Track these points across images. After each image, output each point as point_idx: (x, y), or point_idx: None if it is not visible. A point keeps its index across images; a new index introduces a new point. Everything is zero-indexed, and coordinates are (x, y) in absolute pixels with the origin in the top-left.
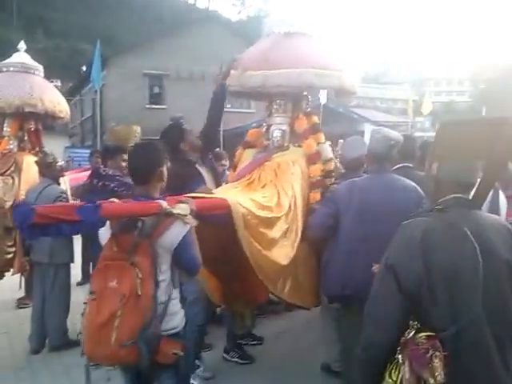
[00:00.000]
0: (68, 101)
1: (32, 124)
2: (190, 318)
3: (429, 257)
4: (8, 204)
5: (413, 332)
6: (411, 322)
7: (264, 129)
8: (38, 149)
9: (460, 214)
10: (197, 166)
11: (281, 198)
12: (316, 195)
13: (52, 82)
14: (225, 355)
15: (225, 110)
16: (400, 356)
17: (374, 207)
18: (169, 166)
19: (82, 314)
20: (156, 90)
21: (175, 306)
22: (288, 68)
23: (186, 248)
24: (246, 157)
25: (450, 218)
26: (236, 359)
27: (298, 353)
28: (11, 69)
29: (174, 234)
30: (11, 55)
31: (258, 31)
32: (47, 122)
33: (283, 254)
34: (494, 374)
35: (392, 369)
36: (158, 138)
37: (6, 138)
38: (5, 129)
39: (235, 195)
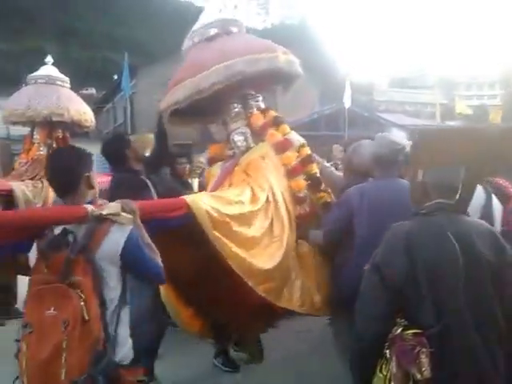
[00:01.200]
0: (101, 108)
1: (60, 132)
2: (137, 340)
3: (412, 256)
4: (38, 206)
5: (400, 329)
6: (398, 319)
7: (225, 141)
8: None
9: (443, 218)
10: (143, 177)
11: (255, 192)
12: (299, 183)
13: (87, 90)
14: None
15: None
16: (388, 351)
17: (384, 211)
18: (113, 175)
19: (16, 355)
20: None
21: (124, 331)
22: (216, 65)
23: (135, 252)
24: (214, 172)
25: (433, 221)
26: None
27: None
28: (39, 81)
29: (114, 241)
30: (44, 64)
31: (285, 38)
32: (74, 129)
33: (267, 254)
34: (479, 369)
35: (383, 364)
36: (190, 142)
37: (35, 145)
38: (35, 136)
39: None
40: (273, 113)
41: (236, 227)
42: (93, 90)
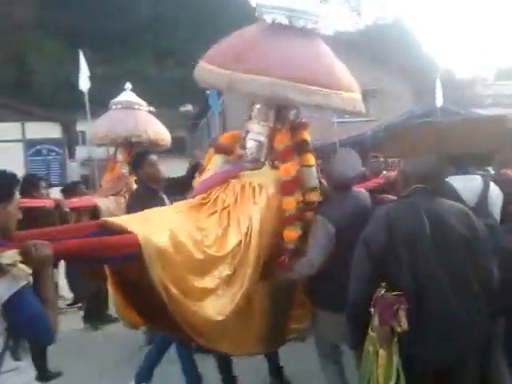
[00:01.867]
0: (197, 124)
1: (137, 149)
2: None
3: (391, 230)
4: None
5: (383, 291)
6: (382, 284)
7: (243, 134)
8: None
9: (418, 199)
10: (160, 194)
11: (228, 234)
12: (291, 233)
13: (184, 106)
14: None
15: (338, 120)
16: (373, 309)
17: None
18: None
19: None
20: None
21: (12, 378)
22: (259, 74)
23: (19, 309)
24: (214, 164)
25: (410, 202)
26: None
27: None
28: (119, 106)
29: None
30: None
31: (378, 38)
32: (152, 149)
33: (218, 306)
34: (453, 320)
35: (370, 325)
36: None
37: (118, 164)
38: (117, 156)
39: (161, 224)
40: (303, 135)
41: (190, 275)
42: (189, 107)
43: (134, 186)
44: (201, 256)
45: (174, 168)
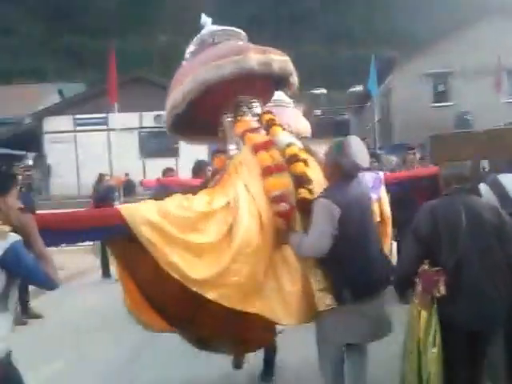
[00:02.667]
0: (362, 106)
1: None
2: None
3: (436, 220)
4: None
5: (426, 266)
6: (425, 261)
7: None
8: None
9: (457, 197)
10: None
11: (214, 199)
12: (274, 182)
13: (354, 87)
14: None
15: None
16: (417, 280)
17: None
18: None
19: None
20: (441, 88)
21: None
22: (186, 78)
23: (16, 261)
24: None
25: (451, 199)
26: None
27: None
28: (270, 104)
29: None
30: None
31: None
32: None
33: (222, 260)
34: (482, 292)
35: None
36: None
37: None
38: None
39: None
40: (268, 116)
41: (182, 234)
42: (360, 88)
43: None
44: (190, 214)
45: None
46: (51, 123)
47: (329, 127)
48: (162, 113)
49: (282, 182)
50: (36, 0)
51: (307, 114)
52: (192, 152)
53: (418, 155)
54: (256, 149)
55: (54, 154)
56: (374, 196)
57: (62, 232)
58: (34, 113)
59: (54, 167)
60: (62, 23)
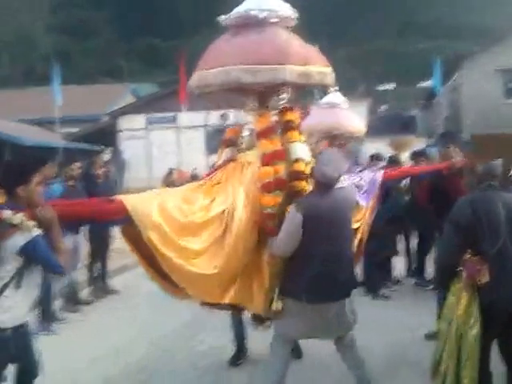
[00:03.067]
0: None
1: (338, 141)
2: None
3: (475, 211)
4: None
5: (469, 255)
6: (468, 251)
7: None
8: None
9: (491, 191)
10: None
11: (213, 205)
12: (269, 200)
13: (423, 82)
14: None
15: None
16: (461, 268)
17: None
18: None
19: None
20: (511, 85)
21: (6, 302)
22: (219, 66)
23: (33, 253)
24: (224, 155)
25: (486, 193)
26: None
27: None
28: (325, 106)
29: (14, 242)
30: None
31: None
32: (348, 139)
33: (211, 263)
34: None
35: (456, 279)
36: None
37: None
38: (321, 146)
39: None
40: (289, 115)
41: (177, 237)
42: (429, 83)
43: None
44: (185, 221)
45: None
46: (126, 121)
47: (394, 124)
48: (226, 111)
49: (275, 201)
50: (114, 4)
51: (372, 111)
52: None
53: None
54: (263, 161)
55: (129, 150)
56: (361, 202)
57: (76, 222)
58: (111, 112)
59: (128, 162)
60: (137, 25)
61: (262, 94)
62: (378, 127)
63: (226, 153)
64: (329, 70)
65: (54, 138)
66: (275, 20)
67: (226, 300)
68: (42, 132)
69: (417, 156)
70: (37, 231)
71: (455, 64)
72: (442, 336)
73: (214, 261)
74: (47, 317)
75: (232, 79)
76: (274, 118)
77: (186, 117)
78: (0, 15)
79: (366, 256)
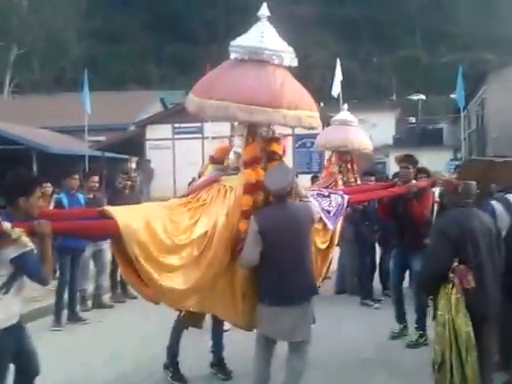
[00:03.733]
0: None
1: (347, 156)
2: None
3: (462, 225)
4: None
5: (456, 264)
6: (455, 259)
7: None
8: (350, 173)
9: (469, 209)
10: None
11: (195, 227)
12: (244, 225)
13: (455, 93)
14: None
15: None
16: (451, 275)
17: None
18: None
19: None
20: None
21: (3, 305)
22: (218, 100)
23: (22, 265)
24: (208, 171)
25: (465, 210)
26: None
27: None
28: (336, 123)
29: (7, 253)
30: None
31: None
32: (358, 155)
33: (185, 278)
34: (492, 283)
35: (445, 285)
36: None
37: (332, 165)
38: (332, 159)
39: (144, 214)
40: (274, 147)
41: (159, 256)
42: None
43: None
44: (169, 242)
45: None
46: (153, 131)
47: (420, 137)
48: None
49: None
50: (146, 10)
51: (400, 122)
52: None
53: None
54: (246, 190)
55: (155, 160)
56: (330, 226)
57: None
58: (139, 121)
59: (155, 171)
60: (168, 32)
61: (253, 124)
62: (405, 139)
63: (210, 169)
64: (317, 114)
65: (82, 147)
66: (276, 62)
67: (191, 308)
68: (70, 140)
69: (365, 175)
70: (29, 247)
71: (483, 77)
72: (439, 337)
73: (188, 277)
74: (71, 316)
75: (229, 115)
76: (260, 147)
77: (211, 127)
78: (31, 20)
79: (360, 267)
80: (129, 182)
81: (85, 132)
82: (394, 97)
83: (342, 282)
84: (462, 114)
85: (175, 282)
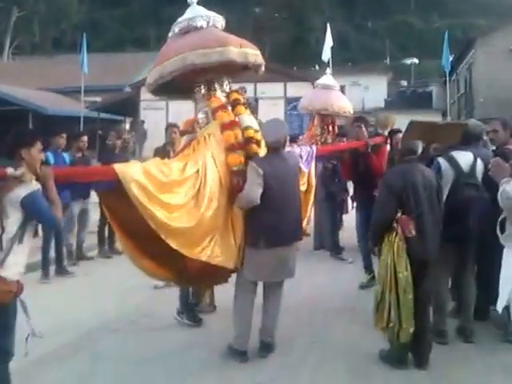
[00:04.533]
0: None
1: (329, 119)
2: None
3: (405, 178)
4: None
5: (400, 214)
6: (399, 210)
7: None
8: (330, 135)
9: (413, 164)
10: None
11: (186, 166)
12: (234, 158)
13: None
14: (176, 316)
15: None
16: (395, 224)
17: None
18: None
19: None
20: None
21: (14, 257)
22: (175, 56)
23: (30, 205)
24: (182, 142)
25: (409, 165)
26: (186, 321)
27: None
28: (319, 86)
29: (16, 193)
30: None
31: None
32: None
33: (189, 216)
34: (431, 231)
35: (389, 234)
36: None
37: (314, 127)
38: (315, 122)
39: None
40: (234, 95)
41: (159, 194)
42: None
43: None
44: (165, 179)
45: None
46: (147, 92)
47: (410, 100)
48: (244, 85)
49: (240, 160)
50: None
51: (392, 85)
52: None
53: None
54: (224, 127)
55: (148, 120)
56: (304, 169)
57: (70, 182)
58: (134, 83)
59: (149, 132)
60: None
61: (209, 83)
62: (396, 102)
63: (183, 139)
64: (259, 52)
65: (78, 107)
66: (211, 24)
67: (203, 258)
68: (67, 100)
69: (337, 136)
70: (36, 185)
71: (471, 42)
72: (380, 279)
73: (191, 216)
74: (59, 270)
75: (188, 63)
76: (223, 99)
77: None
78: None
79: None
80: (118, 141)
81: (82, 93)
82: (388, 60)
83: (319, 238)
84: (449, 79)
85: (182, 221)
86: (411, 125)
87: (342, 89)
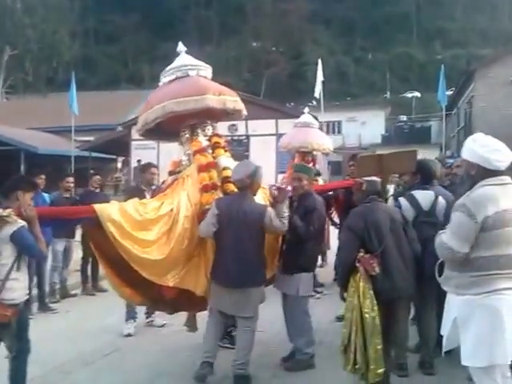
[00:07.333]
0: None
1: (309, 156)
2: None
3: (365, 220)
4: None
5: (362, 253)
6: (361, 250)
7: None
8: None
9: (375, 203)
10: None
11: (162, 205)
12: (207, 198)
13: (451, 90)
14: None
15: None
16: (358, 264)
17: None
18: None
19: None
20: None
21: (14, 284)
22: (156, 105)
23: (19, 240)
24: (168, 182)
25: (372, 204)
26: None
27: None
28: (298, 125)
29: (7, 230)
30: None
31: None
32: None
33: (159, 251)
34: (399, 268)
35: (354, 275)
36: None
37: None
38: (295, 159)
39: (115, 205)
40: (215, 139)
41: (133, 231)
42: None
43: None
44: (140, 218)
45: None
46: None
47: (408, 135)
48: (235, 123)
49: (212, 199)
50: (138, 9)
51: (390, 120)
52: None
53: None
54: (200, 169)
55: (141, 159)
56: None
57: (53, 220)
58: (125, 122)
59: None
60: (161, 31)
61: (192, 127)
62: (394, 137)
63: (169, 180)
64: (238, 99)
65: (69, 147)
66: (195, 73)
67: (171, 283)
68: (59, 140)
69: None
70: (21, 222)
71: (471, 74)
72: (347, 321)
73: (161, 250)
74: (41, 307)
75: (167, 111)
76: (205, 142)
77: None
78: (25, 22)
79: None
80: (98, 182)
81: (73, 133)
82: (389, 94)
83: None
84: (450, 112)
85: (152, 254)
86: (357, 160)
87: (339, 124)
